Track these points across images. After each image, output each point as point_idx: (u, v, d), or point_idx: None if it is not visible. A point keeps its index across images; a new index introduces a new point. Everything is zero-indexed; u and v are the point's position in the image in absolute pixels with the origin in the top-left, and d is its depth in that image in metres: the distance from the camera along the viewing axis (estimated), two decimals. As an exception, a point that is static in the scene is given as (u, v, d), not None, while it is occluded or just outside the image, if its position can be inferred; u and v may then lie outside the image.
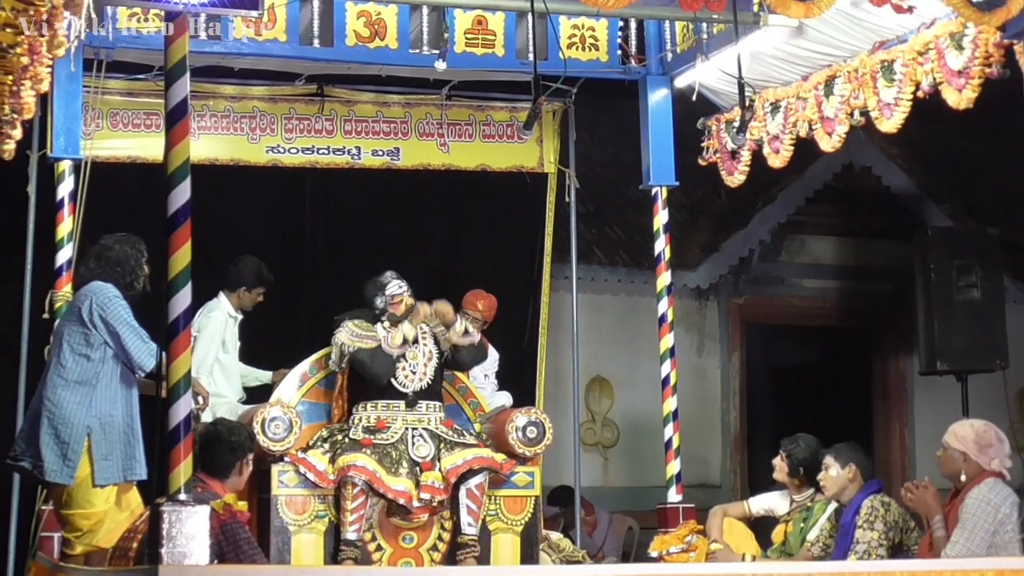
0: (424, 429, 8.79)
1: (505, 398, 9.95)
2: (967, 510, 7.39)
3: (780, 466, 8.91)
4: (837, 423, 11.16)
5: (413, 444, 8.70)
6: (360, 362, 8.82)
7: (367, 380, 8.83)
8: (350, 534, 8.46)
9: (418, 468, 8.61)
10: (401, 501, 8.51)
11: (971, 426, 7.69)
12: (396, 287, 8.98)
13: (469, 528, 8.65)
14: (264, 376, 9.92)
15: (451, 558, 8.64)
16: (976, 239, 13.20)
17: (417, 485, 8.55)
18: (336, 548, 8.50)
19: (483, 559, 8.62)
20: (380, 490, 8.48)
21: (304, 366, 9.09)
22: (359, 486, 8.44)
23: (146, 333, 7.84)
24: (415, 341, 8.96)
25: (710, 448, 14.11)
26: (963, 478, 7.54)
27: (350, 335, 8.85)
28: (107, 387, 7.89)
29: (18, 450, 8.01)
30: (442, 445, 8.74)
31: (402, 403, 8.82)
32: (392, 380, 8.84)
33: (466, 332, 9.04)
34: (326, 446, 8.69)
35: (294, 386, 9.04)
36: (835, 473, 8.46)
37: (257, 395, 9.69)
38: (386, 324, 8.93)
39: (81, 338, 7.90)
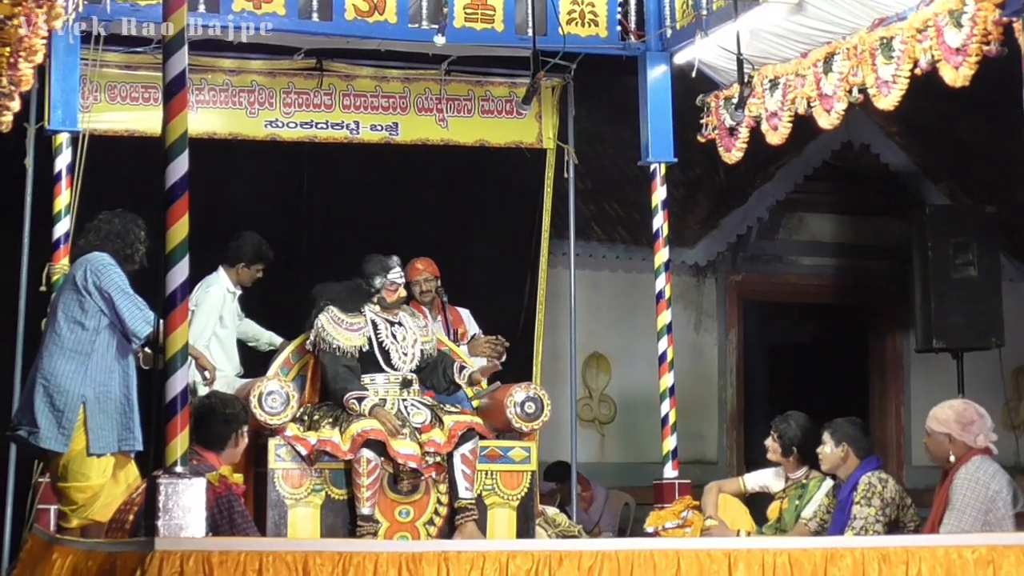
0: (415, 400, 8.80)
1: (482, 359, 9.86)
2: (956, 491, 7.38)
3: (773, 447, 8.90)
4: (833, 400, 11.16)
5: (409, 413, 8.69)
6: (324, 366, 8.82)
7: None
8: (366, 509, 8.44)
9: (418, 432, 8.61)
10: (412, 464, 8.51)
11: (950, 407, 7.69)
12: (399, 275, 8.99)
13: (466, 492, 8.61)
14: (277, 341, 9.85)
15: (448, 531, 8.63)
16: (974, 217, 13.20)
17: (421, 447, 8.56)
18: (353, 523, 8.48)
19: (479, 533, 8.62)
20: (390, 454, 8.47)
21: (286, 353, 9.09)
22: (373, 461, 8.44)
23: (143, 301, 7.82)
24: (400, 324, 8.98)
25: (706, 424, 14.14)
26: (951, 459, 7.54)
27: (331, 322, 8.83)
28: (103, 357, 7.89)
29: (15, 420, 8.04)
30: (437, 410, 8.76)
31: (396, 384, 8.84)
32: (387, 364, 8.85)
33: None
34: (329, 419, 8.65)
35: (281, 373, 9.03)
36: (829, 450, 8.46)
37: (255, 370, 9.69)
38: (375, 308, 8.94)
39: (76, 306, 7.90)
